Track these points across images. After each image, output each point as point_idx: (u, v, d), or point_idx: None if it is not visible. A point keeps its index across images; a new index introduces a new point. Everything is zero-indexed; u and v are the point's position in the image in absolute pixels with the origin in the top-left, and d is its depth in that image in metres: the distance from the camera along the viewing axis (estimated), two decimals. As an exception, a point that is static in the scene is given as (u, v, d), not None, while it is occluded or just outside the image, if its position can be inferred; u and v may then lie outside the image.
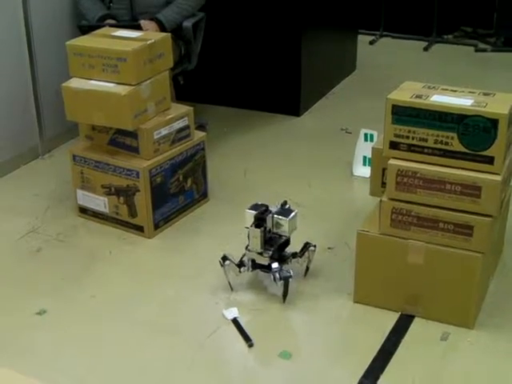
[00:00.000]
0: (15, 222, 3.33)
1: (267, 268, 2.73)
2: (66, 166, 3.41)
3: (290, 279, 2.68)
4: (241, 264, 2.76)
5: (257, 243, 2.70)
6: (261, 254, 2.72)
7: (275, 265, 2.70)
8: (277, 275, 2.68)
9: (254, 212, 2.71)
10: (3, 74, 3.70)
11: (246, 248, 2.75)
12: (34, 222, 3.32)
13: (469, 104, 2.38)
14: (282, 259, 2.75)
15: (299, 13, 4.31)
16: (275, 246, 2.74)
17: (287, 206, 2.79)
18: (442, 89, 2.52)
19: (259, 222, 2.70)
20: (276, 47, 4.40)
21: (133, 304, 2.77)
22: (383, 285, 2.65)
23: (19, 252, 3.12)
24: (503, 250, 3.00)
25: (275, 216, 2.73)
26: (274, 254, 2.72)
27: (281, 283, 2.68)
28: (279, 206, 2.78)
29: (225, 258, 2.76)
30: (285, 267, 2.71)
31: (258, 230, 2.69)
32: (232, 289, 2.78)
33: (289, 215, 2.73)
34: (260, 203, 2.77)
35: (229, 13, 4.40)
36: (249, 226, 2.72)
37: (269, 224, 2.72)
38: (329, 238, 3.12)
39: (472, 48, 5.82)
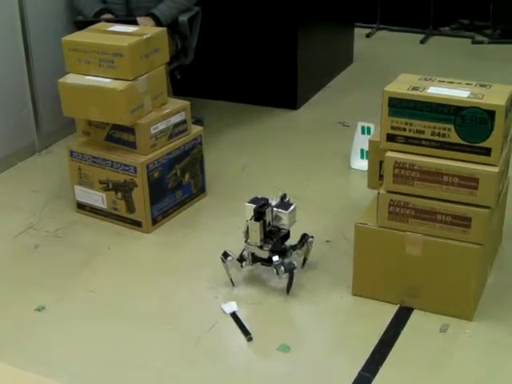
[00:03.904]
0: (13, 218, 3.32)
1: (267, 261, 2.73)
2: (63, 162, 3.41)
3: (295, 270, 2.68)
4: (241, 259, 2.76)
5: (256, 236, 2.70)
6: (260, 247, 2.72)
7: (276, 258, 2.70)
8: (281, 268, 2.67)
9: (253, 205, 2.71)
10: (-1, 71, 3.70)
11: (246, 241, 2.74)
12: (31, 218, 3.31)
13: (466, 95, 2.38)
14: (283, 252, 2.75)
15: (296, 6, 4.30)
16: (275, 239, 2.74)
17: (287, 199, 2.79)
18: (439, 81, 2.52)
19: (259, 215, 2.70)
20: (272, 41, 4.39)
21: (131, 299, 2.77)
22: (382, 277, 2.65)
23: (17, 249, 3.12)
24: (502, 241, 3.00)
25: (275, 209, 2.73)
26: (273, 247, 2.72)
27: (286, 276, 2.68)
28: (279, 199, 2.77)
29: (226, 255, 2.75)
30: (286, 260, 2.71)
31: (258, 224, 2.68)
32: (234, 285, 2.78)
33: (288, 208, 2.72)
34: (260, 196, 2.77)
35: (225, 7, 4.39)
36: (248, 219, 2.71)
37: (268, 217, 2.72)
38: (327, 230, 3.11)
39: (469, 40, 5.82)
